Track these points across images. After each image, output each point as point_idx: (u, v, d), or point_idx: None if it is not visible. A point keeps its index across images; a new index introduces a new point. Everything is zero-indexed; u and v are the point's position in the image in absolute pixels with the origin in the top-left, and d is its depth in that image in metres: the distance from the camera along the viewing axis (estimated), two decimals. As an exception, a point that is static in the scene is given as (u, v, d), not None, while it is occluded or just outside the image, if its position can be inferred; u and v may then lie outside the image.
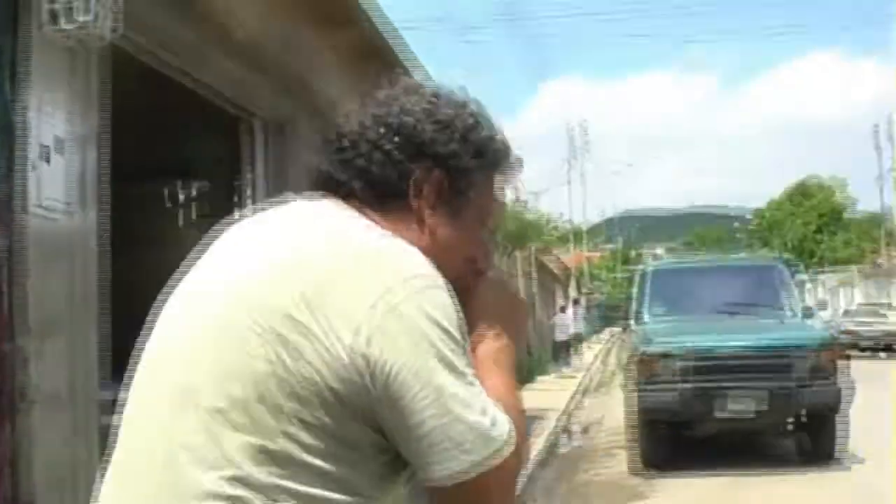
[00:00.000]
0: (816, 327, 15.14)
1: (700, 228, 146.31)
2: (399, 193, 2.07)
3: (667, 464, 13.35)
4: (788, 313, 15.11)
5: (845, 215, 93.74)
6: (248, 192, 10.64)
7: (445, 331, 1.85)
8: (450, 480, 1.85)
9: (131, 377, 2.06)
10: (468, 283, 2.07)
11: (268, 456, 1.81)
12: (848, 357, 14.21)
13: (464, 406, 1.84)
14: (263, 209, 2.21)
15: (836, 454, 13.34)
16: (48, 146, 5.93)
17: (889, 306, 53.95)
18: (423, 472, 1.87)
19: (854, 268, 75.00)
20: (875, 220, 77.51)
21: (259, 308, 1.86)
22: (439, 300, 1.87)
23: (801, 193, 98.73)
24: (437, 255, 1.97)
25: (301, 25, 10.45)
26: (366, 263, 1.88)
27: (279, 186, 10.47)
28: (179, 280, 2.14)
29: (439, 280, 1.90)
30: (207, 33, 8.56)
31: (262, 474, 1.81)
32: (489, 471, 1.86)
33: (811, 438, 13.77)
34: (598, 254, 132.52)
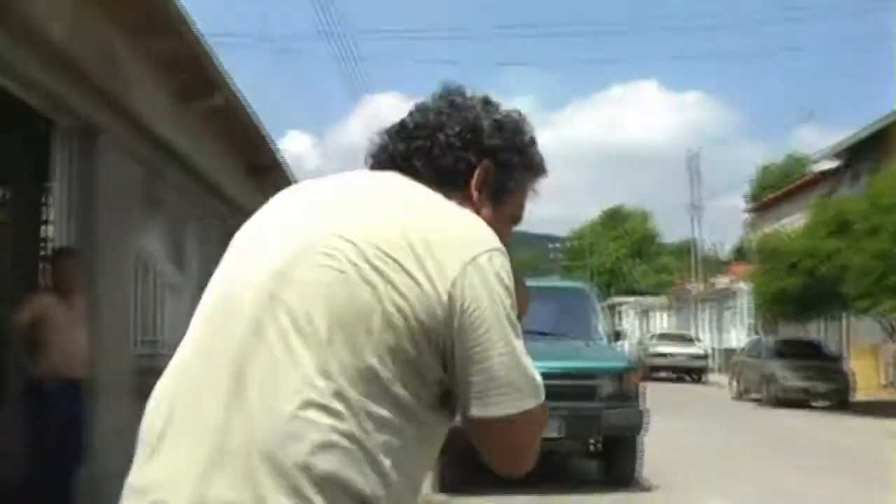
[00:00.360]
0: (622, 351, 15.41)
1: (515, 249, 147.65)
2: (454, 176, 2.38)
3: (470, 484, 13.42)
4: (596, 337, 15.32)
5: (658, 241, 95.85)
6: (55, 197, 10.40)
7: (509, 291, 2.18)
8: (497, 418, 2.16)
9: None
10: None
11: (359, 376, 2.04)
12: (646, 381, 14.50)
13: (522, 354, 2.16)
14: (317, 181, 2.46)
15: (636, 477, 13.60)
16: None
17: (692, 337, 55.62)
18: (477, 406, 2.15)
19: (664, 294, 76.87)
20: (685, 247, 79.43)
21: (364, 244, 2.11)
22: (507, 266, 2.21)
23: (615, 218, 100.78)
24: None
25: (115, 33, 10.29)
26: (463, 227, 2.22)
27: (87, 193, 10.28)
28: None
29: (504, 249, 2.23)
30: (17, 37, 8.38)
31: (353, 392, 2.03)
32: (528, 414, 2.17)
33: (613, 461, 13.99)
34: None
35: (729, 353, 49.30)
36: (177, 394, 2.23)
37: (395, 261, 2.09)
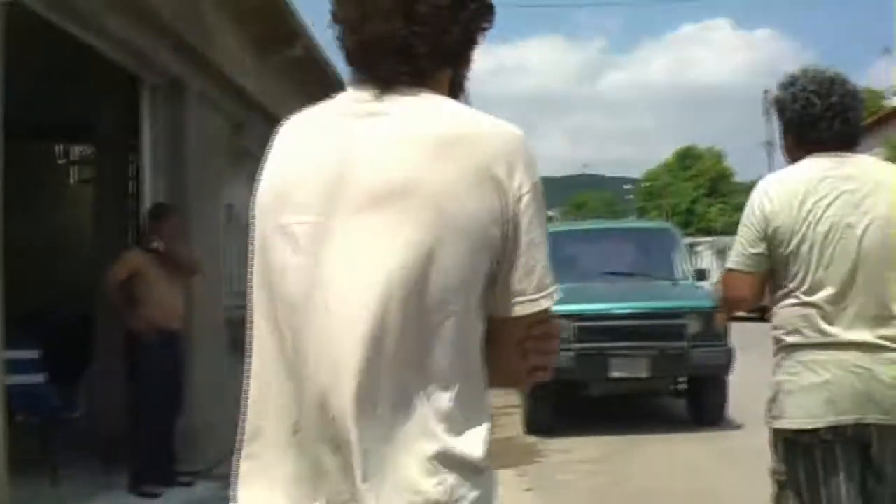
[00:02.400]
0: (706, 290, 15.33)
1: (590, 192, 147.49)
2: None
3: (561, 424, 13.48)
4: (680, 277, 15.27)
5: (732, 180, 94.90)
6: (144, 153, 10.51)
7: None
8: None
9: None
10: None
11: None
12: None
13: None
14: None
15: (726, 415, 13.58)
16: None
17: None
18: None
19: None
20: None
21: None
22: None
23: (689, 158, 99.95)
24: None
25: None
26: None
27: (175, 148, 10.38)
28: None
29: None
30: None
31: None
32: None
33: (701, 400, 13.96)
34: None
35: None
36: None
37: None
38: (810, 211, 4.14)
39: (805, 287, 4.15)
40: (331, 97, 2.49)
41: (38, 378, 10.09)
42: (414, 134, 2.17)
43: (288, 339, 2.22)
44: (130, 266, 9.45)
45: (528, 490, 10.32)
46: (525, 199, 2.17)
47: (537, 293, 2.24)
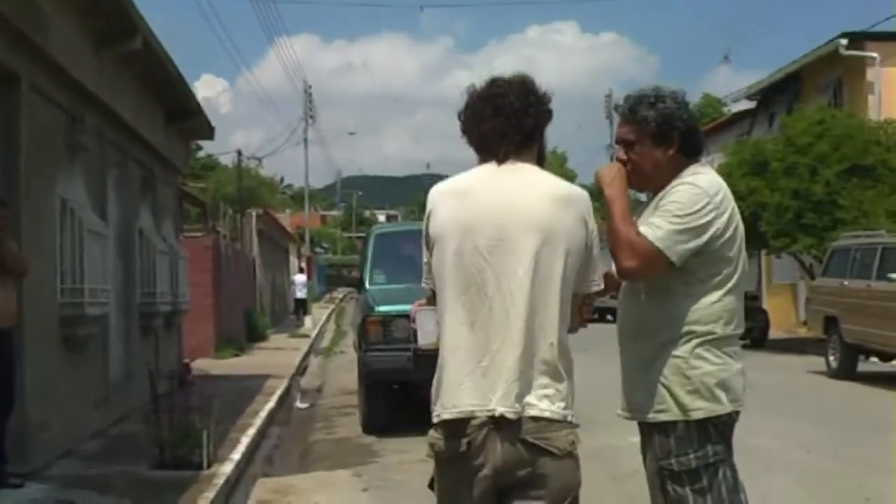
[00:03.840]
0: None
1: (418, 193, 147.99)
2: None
3: (398, 424, 13.53)
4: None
5: (575, 182, 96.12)
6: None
7: None
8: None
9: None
10: None
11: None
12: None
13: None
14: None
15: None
16: None
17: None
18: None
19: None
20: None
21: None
22: None
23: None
24: None
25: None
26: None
27: (8, 141, 10.15)
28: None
29: None
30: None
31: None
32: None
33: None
34: (329, 213, 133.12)
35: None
36: None
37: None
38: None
39: (732, 283, 4.58)
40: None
41: None
42: (544, 193, 3.98)
43: (467, 304, 3.94)
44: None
45: (364, 490, 10.35)
46: (594, 233, 4.04)
47: (598, 281, 4.17)
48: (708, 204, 4.44)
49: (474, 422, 3.84)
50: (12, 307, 9.42)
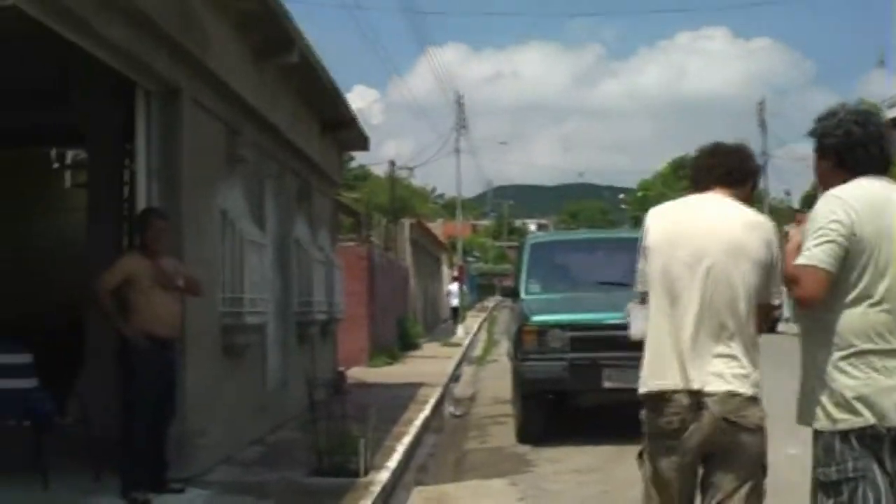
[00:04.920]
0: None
1: (585, 201, 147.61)
2: None
3: (552, 434, 13.48)
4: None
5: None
6: (139, 158, 10.48)
7: None
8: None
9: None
10: None
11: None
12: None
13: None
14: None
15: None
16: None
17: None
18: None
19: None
20: (754, 197, 78.68)
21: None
22: None
23: (684, 167, 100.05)
24: None
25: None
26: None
27: (170, 152, 10.36)
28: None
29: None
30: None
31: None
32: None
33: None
34: (480, 222, 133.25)
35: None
36: None
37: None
38: (889, 225, 4.53)
39: (877, 296, 4.51)
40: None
41: (29, 383, 10.07)
42: (740, 220, 4.96)
43: (671, 304, 4.89)
44: (123, 272, 9.39)
45: (520, 500, 10.32)
46: (777, 253, 4.88)
47: (780, 294, 4.98)
48: (835, 210, 4.53)
49: (679, 399, 4.76)
50: (179, 318, 9.64)
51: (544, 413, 13.93)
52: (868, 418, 4.43)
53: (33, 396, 9.98)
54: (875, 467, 4.43)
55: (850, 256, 4.49)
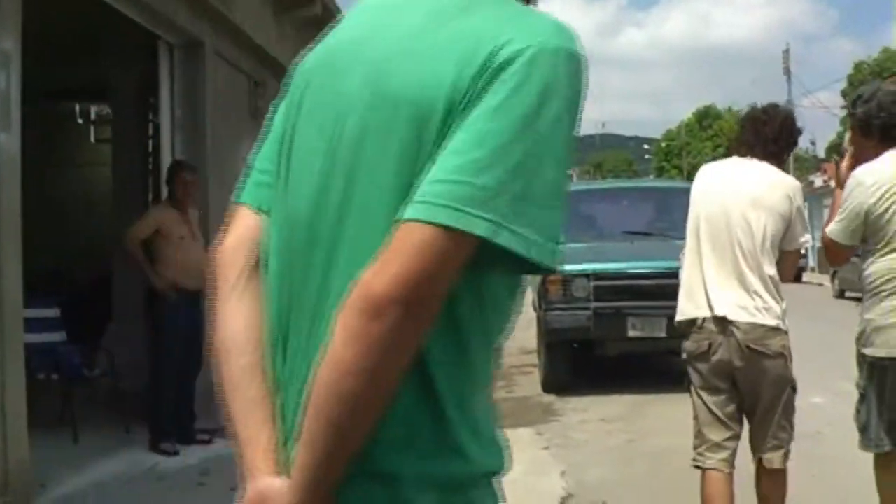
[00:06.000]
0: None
1: (609, 151, 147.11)
2: None
3: (578, 383, 13.52)
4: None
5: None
6: (162, 112, 10.52)
7: None
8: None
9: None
10: None
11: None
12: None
13: None
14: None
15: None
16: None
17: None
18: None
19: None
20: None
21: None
22: None
23: (708, 116, 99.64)
24: None
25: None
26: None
27: (193, 106, 10.38)
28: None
29: None
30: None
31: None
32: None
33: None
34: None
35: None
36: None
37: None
38: None
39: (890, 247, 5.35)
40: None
41: (57, 336, 10.16)
42: (766, 179, 5.61)
43: (702, 246, 5.61)
44: (154, 223, 9.47)
45: (545, 449, 10.36)
46: (798, 207, 5.56)
47: (801, 240, 5.61)
48: (856, 188, 5.43)
49: (708, 325, 5.51)
50: (202, 270, 9.68)
51: (569, 362, 13.96)
52: (879, 351, 5.34)
53: (61, 350, 10.08)
54: (872, 390, 5.47)
55: (871, 222, 5.38)
